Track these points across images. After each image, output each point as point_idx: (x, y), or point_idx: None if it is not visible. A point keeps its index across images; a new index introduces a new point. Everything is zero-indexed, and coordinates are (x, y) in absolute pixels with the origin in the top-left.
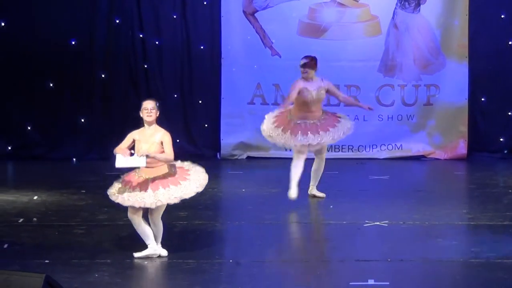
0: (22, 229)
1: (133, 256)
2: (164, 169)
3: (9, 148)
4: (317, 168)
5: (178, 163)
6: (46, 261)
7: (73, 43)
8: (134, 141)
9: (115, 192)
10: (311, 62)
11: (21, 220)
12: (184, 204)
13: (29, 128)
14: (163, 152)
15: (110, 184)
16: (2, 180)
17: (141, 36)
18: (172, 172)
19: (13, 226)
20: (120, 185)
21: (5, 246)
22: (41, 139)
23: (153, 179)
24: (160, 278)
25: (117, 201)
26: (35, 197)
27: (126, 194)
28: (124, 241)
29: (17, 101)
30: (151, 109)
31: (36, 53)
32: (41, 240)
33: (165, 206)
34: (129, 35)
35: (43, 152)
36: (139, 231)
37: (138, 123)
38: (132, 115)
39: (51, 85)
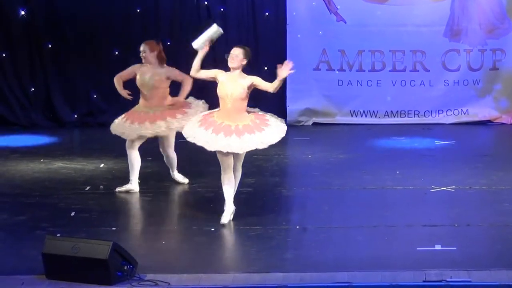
0: (89, 197)
1: (199, 224)
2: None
3: (75, 116)
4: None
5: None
6: (113, 228)
7: (138, 10)
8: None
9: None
10: None
11: (88, 188)
12: (251, 170)
13: (94, 96)
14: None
15: (177, 150)
16: (68, 148)
17: (206, 3)
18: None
19: (80, 194)
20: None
21: (72, 214)
22: (107, 107)
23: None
24: (228, 244)
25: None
26: (102, 165)
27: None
28: (191, 208)
29: (82, 68)
30: (234, 56)
31: (102, 21)
32: (108, 208)
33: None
34: (194, 3)
35: (109, 119)
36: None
37: (202, 90)
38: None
39: (117, 53)
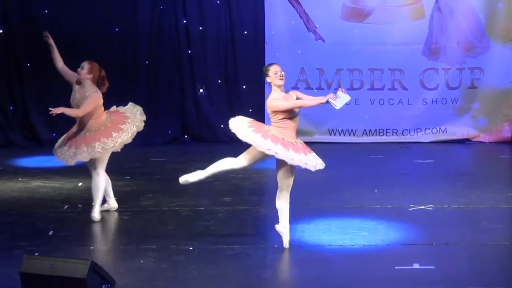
0: (67, 216)
1: (177, 243)
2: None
3: (54, 134)
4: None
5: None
6: (91, 247)
7: (117, 29)
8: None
9: None
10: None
11: (66, 206)
12: (229, 189)
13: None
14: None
15: (154, 170)
16: (46, 167)
17: (184, 22)
18: None
19: (59, 213)
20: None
21: (50, 233)
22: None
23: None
24: (205, 263)
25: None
26: (80, 184)
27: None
28: (169, 227)
29: (61, 88)
30: (283, 74)
31: (81, 40)
32: (86, 227)
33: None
34: (173, 22)
35: None
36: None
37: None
38: (176, 102)
39: None
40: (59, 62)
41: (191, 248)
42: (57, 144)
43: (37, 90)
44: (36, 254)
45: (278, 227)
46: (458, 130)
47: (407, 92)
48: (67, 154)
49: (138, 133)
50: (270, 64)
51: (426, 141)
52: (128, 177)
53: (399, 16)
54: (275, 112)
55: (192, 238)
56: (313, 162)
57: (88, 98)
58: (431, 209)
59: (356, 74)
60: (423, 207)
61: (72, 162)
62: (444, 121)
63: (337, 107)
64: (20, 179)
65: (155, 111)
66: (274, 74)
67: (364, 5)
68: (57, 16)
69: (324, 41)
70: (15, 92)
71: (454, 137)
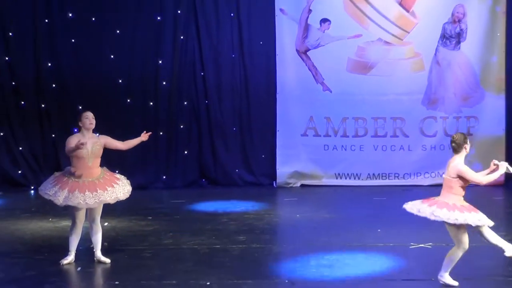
0: (94, 253)
1: (196, 278)
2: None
3: None
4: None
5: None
6: (116, 282)
7: (140, 81)
8: None
9: None
10: None
11: (92, 245)
12: (243, 228)
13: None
14: None
15: (174, 211)
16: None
17: (202, 74)
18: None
19: (86, 250)
20: None
21: (78, 269)
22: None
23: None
24: None
25: None
26: (106, 224)
27: None
28: (188, 263)
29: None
30: None
31: (94, 92)
32: (112, 263)
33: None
34: (191, 74)
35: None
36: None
37: (198, 154)
38: (194, 149)
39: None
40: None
41: (208, 283)
42: (44, 185)
43: (59, 133)
44: None
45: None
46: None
47: (408, 139)
48: (59, 195)
49: (159, 177)
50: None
51: (425, 184)
52: (150, 218)
53: (401, 68)
54: (459, 178)
55: (210, 273)
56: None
57: (109, 138)
58: (430, 247)
59: (360, 122)
60: (422, 245)
61: (59, 202)
62: (442, 166)
63: None
64: (50, 219)
65: (176, 157)
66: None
67: (368, 59)
68: (67, 67)
69: (331, 91)
70: (47, 137)
71: None
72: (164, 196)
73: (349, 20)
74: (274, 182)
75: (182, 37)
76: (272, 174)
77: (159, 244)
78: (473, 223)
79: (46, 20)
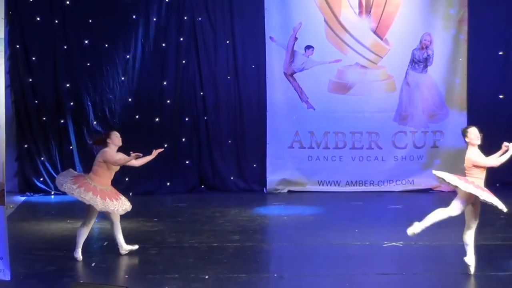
0: (107, 250)
1: (196, 272)
2: None
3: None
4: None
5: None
6: (126, 276)
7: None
8: None
9: None
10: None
11: (106, 243)
12: (237, 229)
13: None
14: None
15: (176, 214)
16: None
17: (201, 94)
18: None
19: (100, 248)
20: None
21: (93, 264)
22: (121, 178)
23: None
24: None
25: None
26: None
27: None
28: (189, 259)
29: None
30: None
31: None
32: (122, 260)
33: None
34: (192, 94)
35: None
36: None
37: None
38: (195, 158)
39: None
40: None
41: (207, 277)
42: (62, 178)
43: (75, 145)
44: (81, 281)
45: (467, 259)
46: (423, 181)
47: (381, 150)
48: (72, 188)
49: (163, 184)
50: (468, 126)
51: (397, 190)
52: (156, 219)
53: (375, 89)
54: (475, 166)
55: (208, 269)
56: (495, 200)
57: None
58: (401, 245)
59: (340, 136)
60: (394, 243)
61: (75, 195)
62: (412, 174)
63: None
64: (68, 221)
65: (178, 166)
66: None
67: (347, 80)
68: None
69: (314, 109)
70: (65, 149)
71: (420, 187)
72: (168, 201)
73: (330, 47)
74: (264, 188)
75: (184, 61)
76: (262, 181)
77: (163, 242)
78: (484, 198)
79: (65, 47)
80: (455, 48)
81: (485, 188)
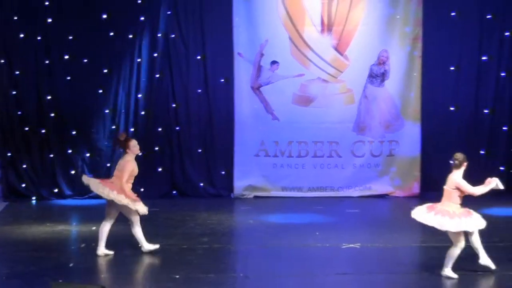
0: (85, 252)
1: (167, 272)
2: None
3: (70, 193)
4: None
5: None
6: (102, 275)
7: (123, 111)
8: None
9: None
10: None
11: (83, 245)
12: (206, 232)
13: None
14: None
15: (150, 218)
16: (67, 215)
17: (174, 106)
18: None
19: (78, 250)
20: None
21: (71, 265)
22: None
23: None
24: None
25: None
26: (93, 228)
27: None
28: (162, 260)
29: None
30: None
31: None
32: (97, 261)
33: None
34: (165, 106)
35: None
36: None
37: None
38: (167, 166)
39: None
40: None
41: (177, 276)
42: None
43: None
44: (61, 281)
45: (481, 261)
46: (379, 187)
47: (341, 159)
48: (99, 187)
49: (137, 189)
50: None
51: (355, 195)
52: (130, 223)
53: (335, 102)
54: (459, 189)
55: (179, 269)
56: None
57: None
58: (358, 247)
59: (303, 145)
60: (352, 245)
61: (103, 193)
62: (369, 180)
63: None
64: (47, 224)
65: (152, 173)
66: None
67: (309, 94)
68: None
69: (279, 120)
70: (46, 157)
71: (376, 193)
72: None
73: (294, 62)
74: (232, 194)
75: (157, 75)
76: (230, 187)
77: (138, 245)
78: (471, 229)
79: (47, 61)
80: (410, 64)
81: (464, 212)
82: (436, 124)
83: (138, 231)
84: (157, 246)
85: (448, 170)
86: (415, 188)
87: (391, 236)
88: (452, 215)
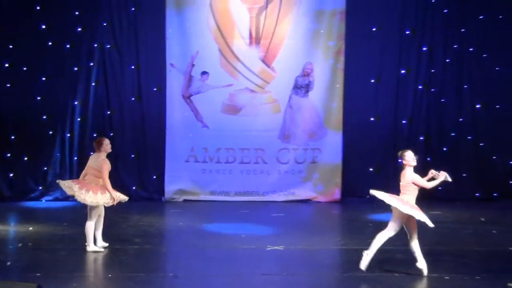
0: (22, 251)
1: (102, 271)
2: None
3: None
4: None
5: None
6: (38, 274)
7: (60, 117)
8: None
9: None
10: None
11: (20, 244)
12: (138, 233)
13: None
14: None
15: (85, 219)
16: (6, 217)
17: (108, 113)
18: None
19: (15, 249)
20: None
21: (8, 263)
22: (35, 186)
23: None
24: (119, 287)
25: None
26: (30, 228)
27: None
28: (95, 259)
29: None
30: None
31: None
32: (35, 259)
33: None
34: (101, 112)
35: (37, 195)
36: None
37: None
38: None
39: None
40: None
41: (110, 275)
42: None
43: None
44: None
45: (419, 264)
46: (303, 193)
47: (267, 165)
48: (76, 190)
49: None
50: (404, 150)
51: (280, 200)
52: (66, 224)
53: (262, 111)
54: (414, 184)
55: (111, 268)
56: (423, 217)
57: None
58: (282, 249)
59: (231, 152)
60: (277, 247)
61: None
62: (293, 186)
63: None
64: None
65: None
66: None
67: (237, 103)
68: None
69: (208, 128)
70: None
71: (300, 198)
72: (77, 208)
73: (223, 73)
74: (163, 197)
75: (93, 84)
76: (161, 191)
77: (73, 244)
78: (417, 216)
79: None
80: (333, 76)
81: (415, 205)
82: (357, 133)
83: (90, 228)
84: (102, 250)
85: (367, 178)
86: (336, 194)
87: (314, 239)
88: (405, 203)
